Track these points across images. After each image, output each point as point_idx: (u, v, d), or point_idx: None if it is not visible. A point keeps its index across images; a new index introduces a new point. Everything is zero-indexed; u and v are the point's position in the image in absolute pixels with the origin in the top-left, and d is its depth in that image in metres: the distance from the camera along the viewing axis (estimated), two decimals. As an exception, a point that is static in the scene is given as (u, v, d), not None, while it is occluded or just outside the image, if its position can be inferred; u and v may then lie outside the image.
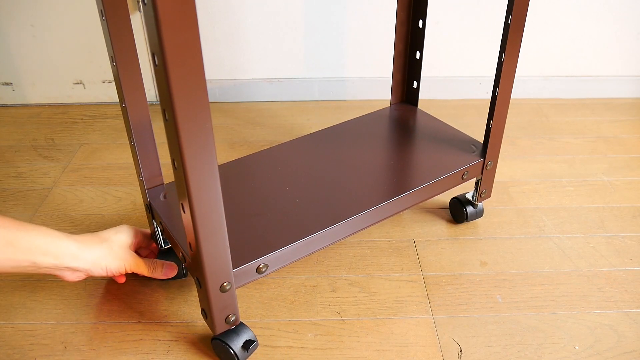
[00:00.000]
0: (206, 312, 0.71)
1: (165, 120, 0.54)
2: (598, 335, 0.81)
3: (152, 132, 0.80)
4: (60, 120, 1.38)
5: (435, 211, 1.05)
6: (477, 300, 0.86)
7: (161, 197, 0.84)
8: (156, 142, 0.81)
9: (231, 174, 0.90)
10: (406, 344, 0.79)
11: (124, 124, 1.35)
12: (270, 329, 0.82)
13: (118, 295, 0.87)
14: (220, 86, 1.43)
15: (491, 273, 0.92)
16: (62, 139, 1.30)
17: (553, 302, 0.86)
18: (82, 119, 1.38)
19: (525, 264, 0.93)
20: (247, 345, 0.73)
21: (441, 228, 1.01)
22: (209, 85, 1.43)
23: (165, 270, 0.83)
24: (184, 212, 0.60)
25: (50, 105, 1.44)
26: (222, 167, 0.92)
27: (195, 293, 0.87)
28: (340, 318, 0.84)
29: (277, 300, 0.87)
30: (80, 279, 0.79)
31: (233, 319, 0.71)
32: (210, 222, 0.60)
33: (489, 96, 1.47)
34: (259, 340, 0.80)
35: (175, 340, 0.80)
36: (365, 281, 0.90)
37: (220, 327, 0.71)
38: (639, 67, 1.46)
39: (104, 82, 1.42)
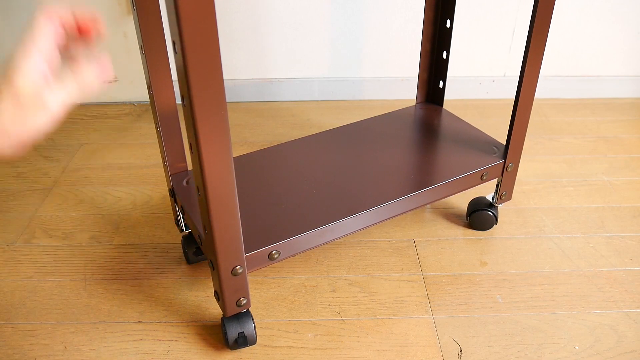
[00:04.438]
0: (218, 294, 0.73)
1: (183, 105, 0.56)
2: (598, 335, 0.81)
3: (178, 119, 0.82)
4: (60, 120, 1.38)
5: (435, 211, 1.05)
6: (477, 300, 0.86)
7: (184, 182, 0.86)
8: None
9: (251, 165, 0.91)
10: (406, 344, 0.79)
11: (124, 124, 1.36)
12: (270, 329, 0.82)
13: (118, 295, 0.87)
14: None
15: (491, 273, 0.92)
16: (62, 139, 1.30)
17: (553, 302, 0.86)
18: (82, 119, 1.38)
19: (525, 264, 0.93)
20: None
21: (441, 228, 1.01)
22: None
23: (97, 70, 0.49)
24: (199, 194, 0.63)
25: (50, 105, 1.44)
26: (243, 158, 0.93)
27: (196, 293, 0.87)
28: (340, 318, 0.84)
29: (277, 300, 0.87)
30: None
31: (244, 302, 0.73)
32: (224, 205, 0.62)
33: (489, 96, 1.47)
34: (259, 340, 0.80)
35: (175, 340, 0.80)
36: (365, 281, 0.90)
37: (231, 310, 0.73)
38: (639, 67, 1.46)
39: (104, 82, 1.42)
